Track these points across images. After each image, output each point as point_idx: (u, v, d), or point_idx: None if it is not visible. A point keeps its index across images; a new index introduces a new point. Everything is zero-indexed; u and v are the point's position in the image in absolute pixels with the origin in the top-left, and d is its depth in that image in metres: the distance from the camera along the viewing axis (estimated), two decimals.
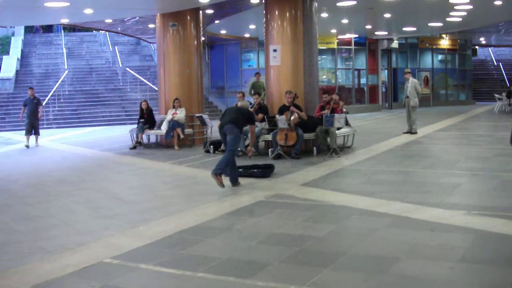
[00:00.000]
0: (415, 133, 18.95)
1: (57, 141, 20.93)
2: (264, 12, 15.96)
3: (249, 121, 11.28)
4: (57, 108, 28.41)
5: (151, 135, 18.49)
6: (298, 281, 5.61)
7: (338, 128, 14.78)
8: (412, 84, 19.22)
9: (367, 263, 6.15)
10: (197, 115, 17.11)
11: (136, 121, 18.58)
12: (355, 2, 19.91)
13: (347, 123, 15.40)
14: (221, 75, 34.22)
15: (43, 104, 26.93)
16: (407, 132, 19.10)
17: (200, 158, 15.05)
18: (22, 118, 20.19)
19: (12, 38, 37.17)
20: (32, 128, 19.42)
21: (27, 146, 18.94)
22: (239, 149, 14.52)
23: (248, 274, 5.84)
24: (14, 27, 37.95)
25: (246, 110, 11.43)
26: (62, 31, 41.21)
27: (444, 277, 5.66)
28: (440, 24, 28.06)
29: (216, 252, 6.68)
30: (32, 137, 19.57)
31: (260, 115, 15.09)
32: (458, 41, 38.67)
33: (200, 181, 11.79)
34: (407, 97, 19.17)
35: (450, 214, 8.07)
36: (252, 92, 20.53)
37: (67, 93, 30.07)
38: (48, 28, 43.33)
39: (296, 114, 14.26)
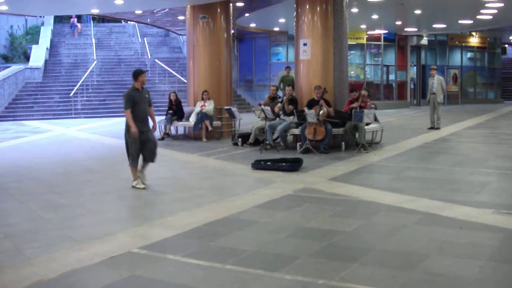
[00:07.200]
0: (438, 128, 19.34)
1: (85, 131, 21.07)
2: (294, 6, 15.90)
3: None
4: (85, 98, 28.59)
5: (179, 126, 18.56)
6: (327, 275, 5.60)
7: (367, 124, 14.71)
8: (438, 81, 19.62)
9: (395, 259, 6.12)
10: (226, 107, 17.12)
11: (165, 113, 18.66)
12: None
13: (375, 119, 15.33)
14: (250, 69, 34.29)
15: (71, 94, 27.14)
16: (430, 128, 19.46)
17: (228, 150, 15.07)
18: (135, 131, 9.87)
19: (42, 27, 37.50)
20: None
21: (144, 187, 10.10)
22: (267, 142, 14.57)
23: (276, 267, 5.84)
24: (43, 17, 38.25)
25: None
26: (92, 21, 41.48)
27: (473, 275, 5.62)
28: (470, 22, 27.85)
29: (245, 244, 6.68)
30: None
31: (290, 107, 15.03)
32: (488, 39, 38.38)
33: (228, 173, 11.84)
34: (434, 93, 19.39)
35: (478, 212, 8.00)
36: (281, 85, 20.55)
37: (95, 83, 30.28)
38: (77, 19, 43.63)
39: (325, 109, 14.22)
